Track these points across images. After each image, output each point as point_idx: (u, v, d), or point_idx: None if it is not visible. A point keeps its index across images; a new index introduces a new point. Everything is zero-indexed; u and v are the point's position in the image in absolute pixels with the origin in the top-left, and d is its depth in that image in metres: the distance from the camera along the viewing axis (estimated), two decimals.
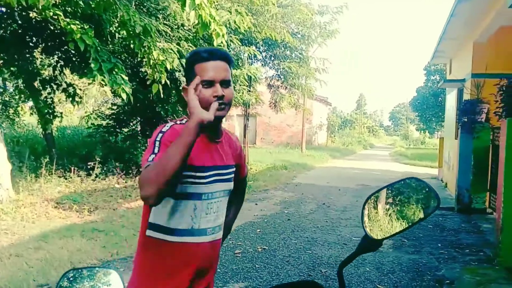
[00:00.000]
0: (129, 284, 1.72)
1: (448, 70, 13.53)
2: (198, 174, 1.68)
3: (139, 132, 12.23)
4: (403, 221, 1.00)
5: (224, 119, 1.80)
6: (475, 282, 4.85)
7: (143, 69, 8.46)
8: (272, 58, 14.02)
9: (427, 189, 0.99)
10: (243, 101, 12.87)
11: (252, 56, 13.70)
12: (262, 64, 14.28)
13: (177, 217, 1.68)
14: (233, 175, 1.87)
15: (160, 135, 1.64)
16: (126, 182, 10.40)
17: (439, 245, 6.43)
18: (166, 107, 10.73)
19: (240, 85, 11.64)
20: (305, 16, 13.00)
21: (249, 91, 13.08)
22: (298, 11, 12.78)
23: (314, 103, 30.12)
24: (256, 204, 9.49)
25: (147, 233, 1.71)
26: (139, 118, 12.30)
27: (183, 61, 9.01)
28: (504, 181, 5.39)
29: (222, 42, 7.19)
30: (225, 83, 1.68)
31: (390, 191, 1.04)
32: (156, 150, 1.59)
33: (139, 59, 9.02)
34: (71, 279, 1.20)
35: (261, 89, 15.96)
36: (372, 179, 14.67)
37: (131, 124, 12.65)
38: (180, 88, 10.06)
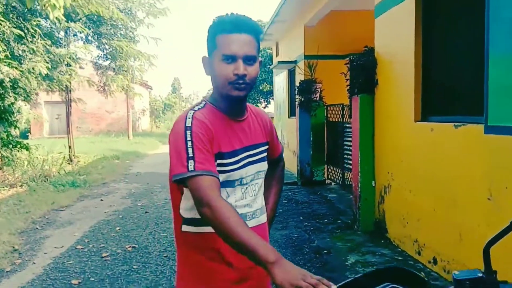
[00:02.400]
0: (177, 280, 1.69)
1: (275, 52, 14.26)
2: (228, 160, 1.56)
3: None
4: None
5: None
6: (348, 248, 5.21)
7: None
8: (97, 37, 12.80)
9: None
10: (69, 84, 11.56)
11: (72, 34, 12.40)
12: (85, 43, 12.87)
13: None
14: (265, 154, 1.75)
15: (188, 132, 1.48)
16: None
17: (301, 218, 6.76)
18: None
19: (67, 66, 10.39)
20: None
21: (74, 73, 11.78)
22: None
23: (136, 87, 28.90)
24: (101, 200, 8.64)
25: (182, 229, 1.62)
26: None
27: None
28: (359, 154, 5.87)
29: (58, 16, 6.23)
30: (248, 60, 1.52)
31: None
32: (191, 153, 1.46)
33: None
34: None
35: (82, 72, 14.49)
36: None
37: None
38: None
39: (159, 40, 12.61)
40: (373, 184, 5.87)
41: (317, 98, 9.41)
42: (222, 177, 1.52)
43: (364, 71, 5.83)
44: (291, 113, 11.88)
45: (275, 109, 14.76)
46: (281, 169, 1.99)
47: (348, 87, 6.12)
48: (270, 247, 1.33)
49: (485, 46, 3.40)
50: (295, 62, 10.74)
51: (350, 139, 6.98)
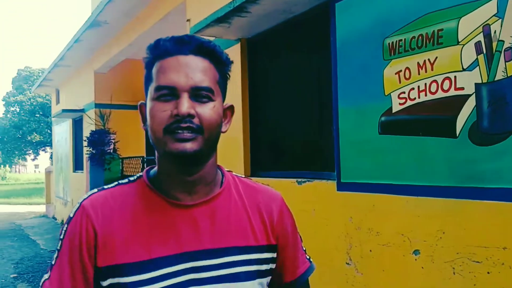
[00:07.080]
0: None
1: (55, 100, 12.60)
2: (131, 279, 0.90)
3: None
4: None
5: None
6: None
7: None
8: None
9: None
10: None
11: None
12: None
13: None
14: (246, 268, 0.98)
15: (63, 231, 0.96)
16: None
17: None
18: None
19: None
20: None
21: None
22: None
23: None
24: None
25: None
26: None
27: None
28: None
29: None
30: (200, 96, 0.92)
31: None
32: (54, 262, 0.94)
33: None
34: None
35: None
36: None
37: None
38: None
39: None
40: None
41: (111, 150, 8.48)
42: None
43: None
44: (77, 167, 10.47)
45: (55, 162, 12.93)
46: None
47: None
48: None
49: (333, 101, 3.24)
50: (83, 110, 9.56)
51: None
